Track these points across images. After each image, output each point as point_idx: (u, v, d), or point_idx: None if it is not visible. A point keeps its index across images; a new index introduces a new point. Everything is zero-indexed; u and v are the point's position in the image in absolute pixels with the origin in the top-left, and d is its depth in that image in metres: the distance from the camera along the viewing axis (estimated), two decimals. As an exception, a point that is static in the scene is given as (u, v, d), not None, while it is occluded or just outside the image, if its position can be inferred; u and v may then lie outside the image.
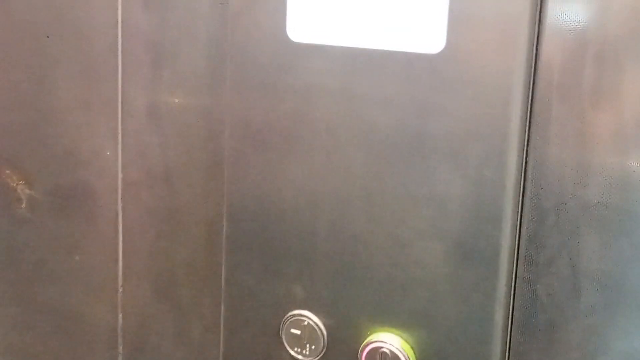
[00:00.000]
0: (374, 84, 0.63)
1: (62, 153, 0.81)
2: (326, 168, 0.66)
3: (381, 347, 0.66)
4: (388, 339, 0.66)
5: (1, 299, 0.87)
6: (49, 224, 0.83)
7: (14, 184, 0.84)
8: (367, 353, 0.67)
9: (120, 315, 0.81)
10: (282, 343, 0.70)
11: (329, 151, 0.65)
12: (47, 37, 0.79)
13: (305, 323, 0.69)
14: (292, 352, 0.70)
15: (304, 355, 0.70)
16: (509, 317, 0.64)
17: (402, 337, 0.66)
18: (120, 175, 0.78)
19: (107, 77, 0.77)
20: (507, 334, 0.64)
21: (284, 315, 0.70)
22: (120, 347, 0.82)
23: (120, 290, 0.81)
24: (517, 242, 0.63)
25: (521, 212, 0.63)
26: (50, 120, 0.81)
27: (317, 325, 0.69)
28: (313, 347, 0.69)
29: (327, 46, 0.64)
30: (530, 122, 0.61)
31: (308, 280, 0.69)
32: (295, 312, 0.69)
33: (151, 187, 0.77)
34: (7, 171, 0.84)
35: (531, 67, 0.60)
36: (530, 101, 0.61)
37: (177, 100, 0.75)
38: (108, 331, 0.82)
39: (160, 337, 0.80)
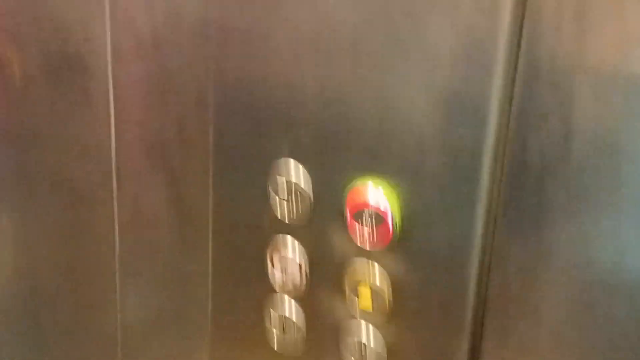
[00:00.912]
0: None
1: (51, 23, 0.81)
2: (311, 18, 0.65)
3: (367, 193, 0.65)
4: (373, 186, 0.66)
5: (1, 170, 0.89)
6: (43, 96, 0.84)
7: (7, 58, 0.85)
8: (351, 199, 0.67)
9: (115, 182, 0.82)
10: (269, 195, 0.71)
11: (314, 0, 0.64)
12: None
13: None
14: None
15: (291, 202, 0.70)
16: (498, 172, 0.63)
17: (387, 185, 0.65)
18: (109, 42, 0.78)
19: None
20: (495, 189, 0.63)
21: (270, 168, 0.70)
22: (116, 216, 0.83)
23: (114, 158, 0.81)
24: (510, 95, 0.61)
25: (516, 63, 0.61)
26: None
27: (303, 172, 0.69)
28: (300, 194, 0.69)
29: None
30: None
31: (294, 134, 0.68)
32: (281, 159, 0.69)
33: (140, 54, 0.77)
34: (-1, 47, 0.85)
35: None
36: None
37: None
38: (103, 198, 0.83)
39: (153, 203, 0.81)
